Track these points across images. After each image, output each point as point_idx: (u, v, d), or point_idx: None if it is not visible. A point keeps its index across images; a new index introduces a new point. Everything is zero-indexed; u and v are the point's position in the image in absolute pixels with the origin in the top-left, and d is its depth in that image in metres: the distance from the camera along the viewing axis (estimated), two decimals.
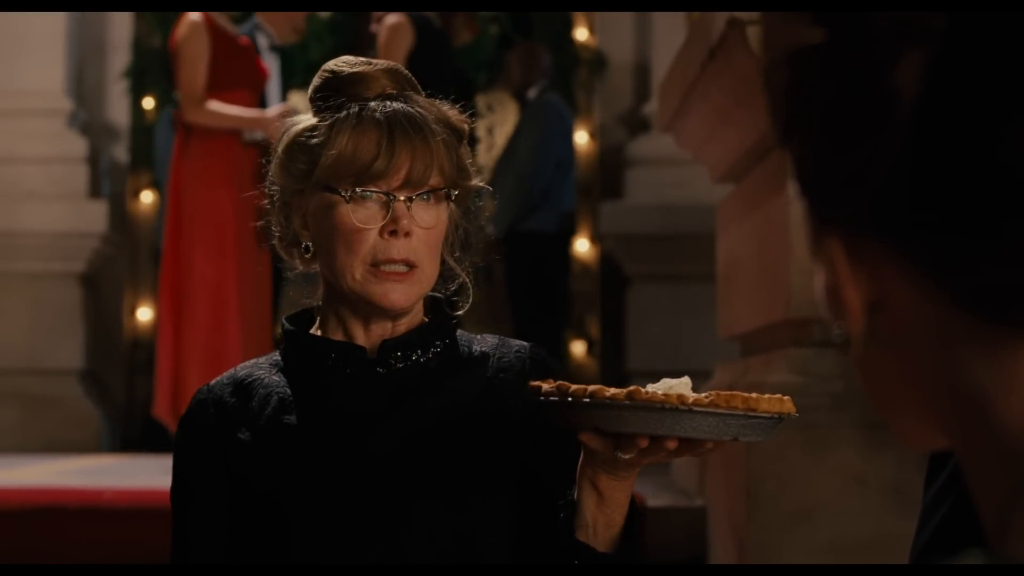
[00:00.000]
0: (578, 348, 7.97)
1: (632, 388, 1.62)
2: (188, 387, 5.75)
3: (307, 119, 1.93)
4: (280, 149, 1.92)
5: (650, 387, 1.65)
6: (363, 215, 1.86)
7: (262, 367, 1.95)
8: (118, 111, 8.15)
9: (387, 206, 1.86)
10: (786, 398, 1.66)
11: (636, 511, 1.78)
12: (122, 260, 7.94)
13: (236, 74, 5.84)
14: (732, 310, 4.58)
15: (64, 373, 7.54)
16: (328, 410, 1.89)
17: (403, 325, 1.92)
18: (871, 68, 0.75)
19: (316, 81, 1.94)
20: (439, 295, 1.97)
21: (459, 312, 1.97)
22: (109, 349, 7.90)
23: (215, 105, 5.75)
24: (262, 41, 6.13)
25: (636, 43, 8.06)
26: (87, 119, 7.93)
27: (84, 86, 8.00)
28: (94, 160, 7.78)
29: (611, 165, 7.97)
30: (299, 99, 8.02)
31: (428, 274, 1.90)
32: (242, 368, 1.96)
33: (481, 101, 8.19)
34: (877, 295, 0.79)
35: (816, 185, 0.80)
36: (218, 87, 5.77)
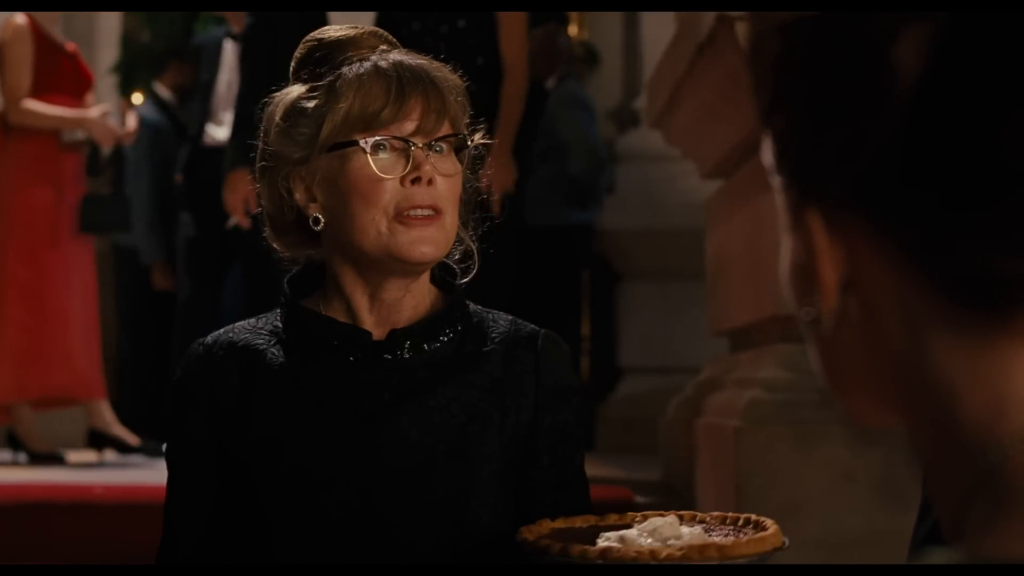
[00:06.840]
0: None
1: (605, 546, 1.59)
2: (4, 389, 5.70)
3: (298, 87, 1.83)
4: (278, 117, 1.82)
5: (636, 528, 1.63)
6: (382, 165, 1.77)
7: (261, 335, 1.85)
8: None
9: (406, 154, 1.77)
10: (771, 531, 1.61)
11: None
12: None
13: (58, 79, 5.84)
14: (721, 306, 4.58)
15: None
16: (326, 397, 1.80)
17: (410, 300, 1.83)
18: (869, 44, 0.74)
19: (299, 52, 1.84)
20: (447, 261, 1.86)
21: (464, 281, 1.87)
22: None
23: (36, 105, 5.75)
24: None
25: (625, 38, 8.05)
26: None
27: None
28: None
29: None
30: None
31: (452, 223, 1.80)
32: (241, 332, 1.86)
33: None
34: (852, 272, 0.78)
35: (801, 159, 0.79)
36: (40, 91, 5.77)
